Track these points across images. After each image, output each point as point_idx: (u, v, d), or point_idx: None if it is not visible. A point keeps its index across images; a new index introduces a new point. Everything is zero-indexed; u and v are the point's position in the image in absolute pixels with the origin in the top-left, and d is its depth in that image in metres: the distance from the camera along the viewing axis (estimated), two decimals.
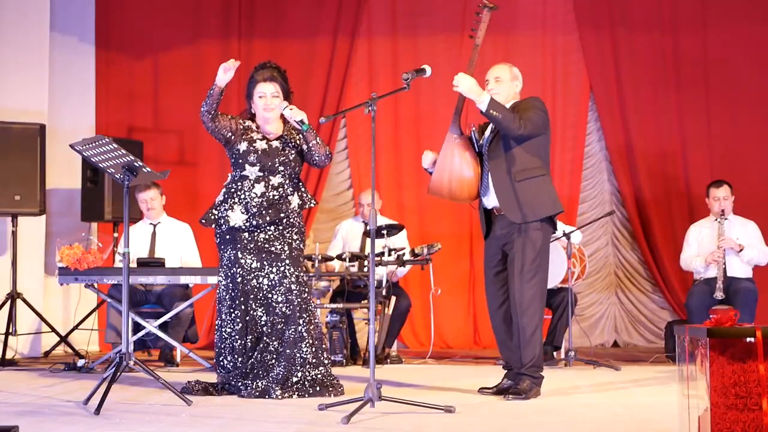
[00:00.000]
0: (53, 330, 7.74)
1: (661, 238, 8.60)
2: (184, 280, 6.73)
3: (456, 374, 6.42)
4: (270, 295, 5.20)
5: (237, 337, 5.24)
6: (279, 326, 5.18)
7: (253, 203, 5.17)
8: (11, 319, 7.45)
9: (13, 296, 7.50)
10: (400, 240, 7.45)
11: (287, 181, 5.25)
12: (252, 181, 5.22)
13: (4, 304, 7.47)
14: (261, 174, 5.22)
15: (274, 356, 5.18)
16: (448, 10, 8.92)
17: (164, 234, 7.35)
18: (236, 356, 5.24)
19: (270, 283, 5.20)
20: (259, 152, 5.23)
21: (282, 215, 5.19)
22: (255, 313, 5.24)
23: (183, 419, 4.37)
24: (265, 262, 5.21)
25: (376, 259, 6.87)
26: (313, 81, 8.82)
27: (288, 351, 5.13)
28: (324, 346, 5.30)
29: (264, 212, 5.17)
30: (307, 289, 5.26)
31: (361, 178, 8.89)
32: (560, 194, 8.64)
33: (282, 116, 5.27)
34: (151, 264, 6.89)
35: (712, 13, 8.71)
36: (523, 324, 5.05)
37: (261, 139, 5.26)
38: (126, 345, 4.91)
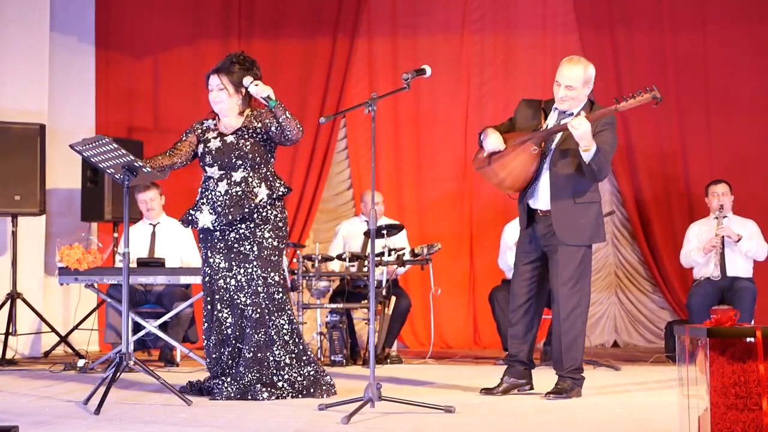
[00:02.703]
0: (53, 330, 7.73)
1: (661, 238, 8.60)
2: (184, 280, 6.72)
3: (456, 374, 6.41)
4: (236, 297, 5.11)
5: (205, 337, 5.23)
6: (248, 330, 5.06)
7: (219, 202, 5.08)
8: (11, 319, 7.44)
9: (13, 296, 7.50)
10: (400, 240, 7.45)
11: (251, 174, 5.08)
12: (216, 180, 5.13)
13: (4, 304, 7.47)
14: (223, 172, 5.11)
15: (243, 363, 5.03)
16: (448, 10, 8.92)
17: (164, 234, 7.35)
18: (206, 358, 5.24)
19: (237, 285, 5.11)
20: (214, 152, 5.13)
21: (246, 210, 5.03)
22: (221, 314, 5.16)
23: (183, 419, 4.37)
24: (233, 263, 5.12)
25: (376, 259, 6.87)
26: (313, 81, 8.82)
27: (260, 355, 5.03)
28: (306, 344, 5.17)
29: (227, 211, 5.05)
30: (281, 290, 5.10)
31: (361, 178, 8.88)
32: None
33: (241, 106, 5.13)
34: (151, 264, 6.89)
35: (712, 12, 8.71)
36: (564, 330, 5.06)
37: (216, 138, 5.16)
38: (126, 345, 4.91)
